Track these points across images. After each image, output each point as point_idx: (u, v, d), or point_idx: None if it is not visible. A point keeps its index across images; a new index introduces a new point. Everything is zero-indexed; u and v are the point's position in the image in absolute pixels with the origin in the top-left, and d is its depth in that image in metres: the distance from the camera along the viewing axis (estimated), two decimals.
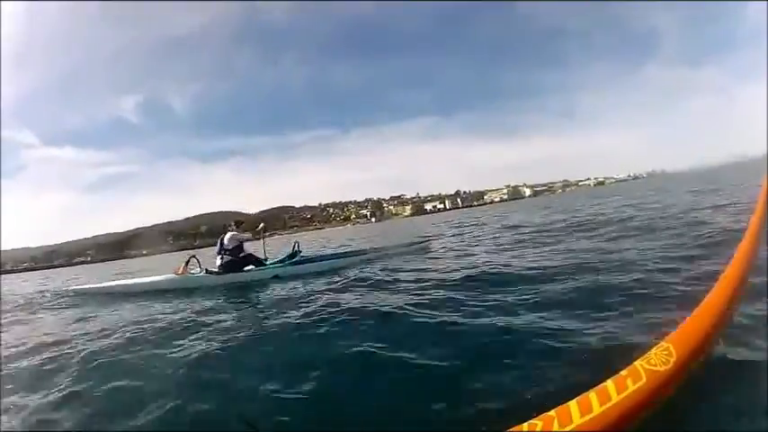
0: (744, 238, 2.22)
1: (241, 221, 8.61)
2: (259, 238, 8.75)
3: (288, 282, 6.90)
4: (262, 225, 8.99)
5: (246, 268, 8.01)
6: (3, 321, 5.89)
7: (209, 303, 5.68)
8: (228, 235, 8.04)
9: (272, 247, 8.76)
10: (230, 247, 7.96)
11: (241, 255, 8.07)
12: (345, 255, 8.96)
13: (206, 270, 7.99)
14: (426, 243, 9.23)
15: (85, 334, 4.21)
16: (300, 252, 8.47)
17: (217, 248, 8.15)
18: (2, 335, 3.94)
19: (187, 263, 8.13)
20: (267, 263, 8.24)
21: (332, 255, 9.22)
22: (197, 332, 3.68)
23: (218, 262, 7.97)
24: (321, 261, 8.38)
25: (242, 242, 8.11)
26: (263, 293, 6.13)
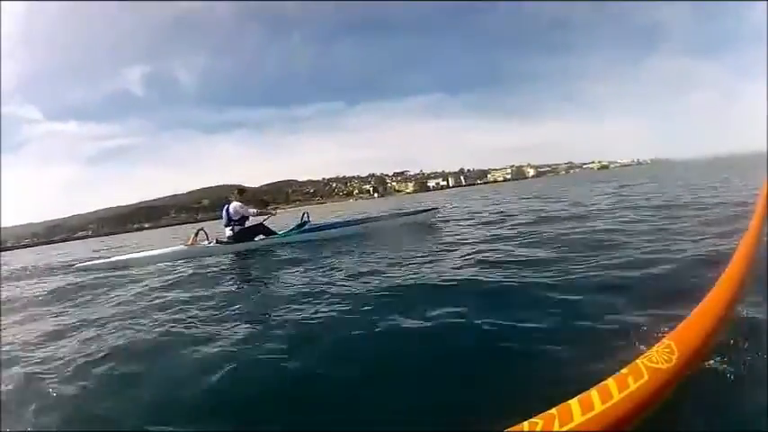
0: (745, 236, 2.21)
1: (244, 190, 8.59)
2: (266, 217, 8.74)
3: (298, 248, 7.04)
4: (269, 207, 8.99)
5: (256, 238, 8.07)
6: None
7: (222, 270, 5.87)
8: (234, 206, 8.04)
9: (277, 222, 8.78)
10: (237, 218, 7.99)
11: (249, 224, 8.13)
12: (353, 222, 9.02)
13: (216, 240, 8.05)
14: (430, 214, 9.16)
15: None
16: (309, 222, 8.54)
17: (224, 220, 8.18)
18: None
19: (196, 234, 8.21)
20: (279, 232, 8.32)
21: (340, 222, 9.27)
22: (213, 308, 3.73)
23: (228, 233, 8.02)
24: (330, 229, 8.45)
25: (245, 216, 8.12)
26: (275, 259, 6.27)
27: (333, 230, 8.34)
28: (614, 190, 14.15)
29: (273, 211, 8.66)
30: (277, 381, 2.11)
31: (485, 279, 3.62)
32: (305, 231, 8.16)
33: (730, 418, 1.49)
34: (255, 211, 8.25)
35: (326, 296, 3.56)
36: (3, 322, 4.16)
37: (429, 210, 9.30)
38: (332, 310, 3.15)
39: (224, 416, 1.84)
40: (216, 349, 2.60)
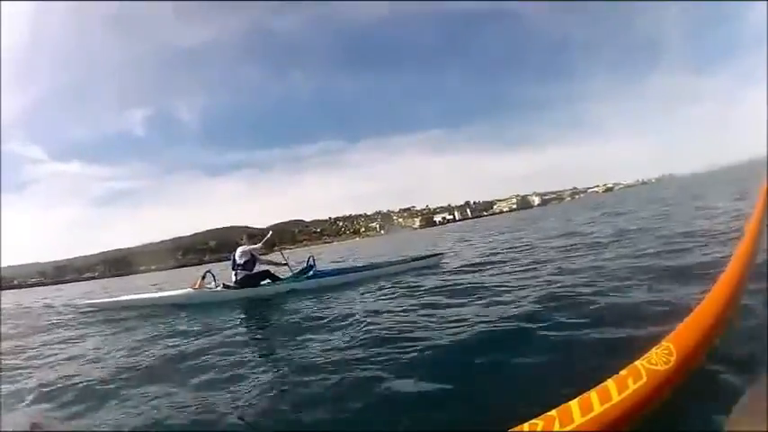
0: (743, 238, 2.23)
1: (253, 234, 8.59)
2: (273, 249, 8.71)
3: (304, 296, 6.93)
4: (269, 234, 8.77)
5: (262, 283, 8.03)
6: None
7: (227, 319, 5.75)
8: (240, 250, 8.05)
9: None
10: (242, 262, 7.95)
11: (255, 270, 8.09)
12: (361, 269, 8.93)
13: (222, 284, 8.03)
14: (436, 259, 9.17)
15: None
16: (315, 266, 8.40)
17: (231, 263, 8.19)
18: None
19: (203, 277, 8.14)
20: (288, 273, 8.23)
21: (347, 269, 9.18)
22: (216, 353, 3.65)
23: (234, 278, 8.01)
24: (337, 275, 8.37)
25: (254, 255, 8.13)
26: (281, 308, 6.19)
27: (339, 277, 8.27)
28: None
29: (284, 262, 8.60)
30: None
31: (484, 288, 3.67)
32: (311, 278, 8.05)
33: (729, 419, 1.48)
34: (260, 246, 8.21)
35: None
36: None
37: (434, 255, 9.36)
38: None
39: None
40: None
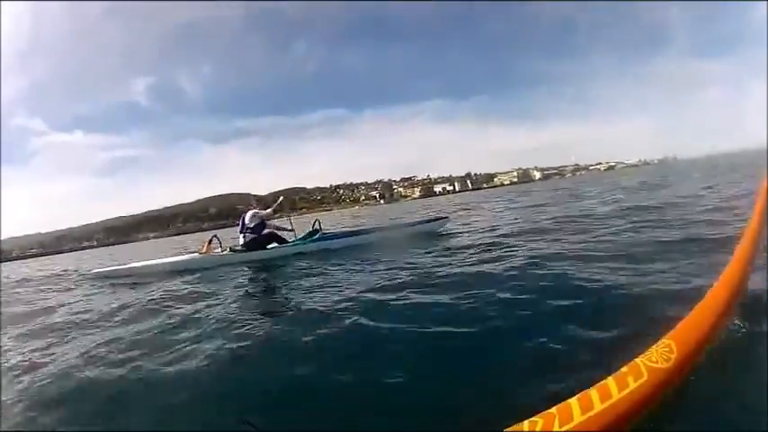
0: (744, 235, 2.22)
1: (262, 198, 8.63)
2: (280, 215, 8.78)
3: (311, 258, 7.03)
4: (281, 199, 8.90)
5: (269, 246, 8.11)
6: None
7: (235, 281, 5.85)
8: (250, 213, 8.10)
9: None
10: (252, 225, 8.03)
11: (263, 232, 8.15)
12: (365, 231, 9.05)
13: (229, 248, 8.12)
14: (441, 223, 9.20)
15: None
16: (321, 230, 8.54)
17: (239, 227, 8.25)
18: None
19: (210, 242, 8.25)
20: (294, 236, 8.38)
21: (352, 231, 9.27)
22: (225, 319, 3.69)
23: (241, 240, 8.07)
24: (342, 238, 8.48)
25: (263, 219, 8.18)
26: (288, 270, 6.26)
27: (345, 240, 8.37)
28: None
29: (291, 228, 8.68)
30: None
31: (485, 278, 3.70)
32: (317, 240, 8.17)
33: (730, 417, 1.49)
34: (270, 211, 8.28)
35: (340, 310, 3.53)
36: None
37: (439, 219, 9.40)
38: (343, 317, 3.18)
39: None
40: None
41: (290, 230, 8.62)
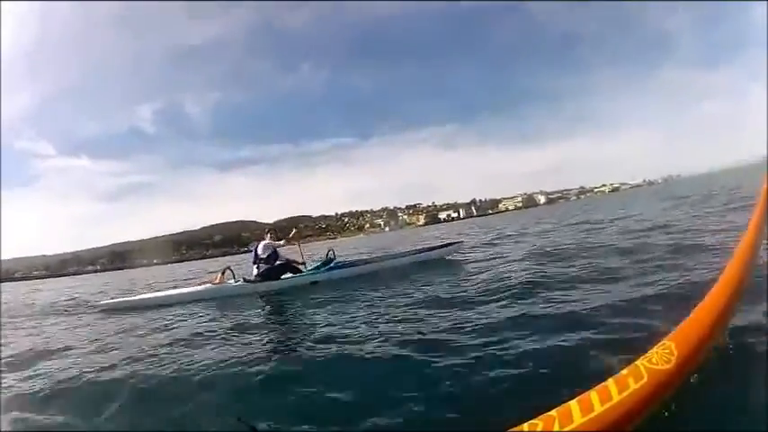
0: (744, 237, 2.21)
1: (274, 229, 8.58)
2: (293, 243, 8.77)
3: (327, 288, 6.97)
4: (295, 231, 8.85)
5: (284, 276, 8.04)
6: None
7: (250, 313, 5.80)
8: (262, 244, 8.07)
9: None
10: (264, 256, 7.97)
11: (278, 263, 8.13)
12: (378, 259, 9.03)
13: (243, 279, 8.05)
14: (454, 248, 9.21)
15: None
16: (335, 259, 8.44)
17: (252, 258, 8.17)
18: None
19: (223, 273, 8.16)
20: (304, 269, 8.24)
21: (367, 259, 9.27)
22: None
23: (255, 271, 7.99)
24: (356, 266, 8.43)
25: (276, 249, 8.16)
26: (305, 300, 6.19)
27: (359, 268, 8.32)
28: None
29: (302, 261, 8.60)
30: None
31: (486, 287, 3.74)
32: (332, 269, 8.06)
33: (730, 418, 1.48)
34: (283, 242, 8.26)
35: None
36: None
37: (453, 243, 9.40)
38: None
39: None
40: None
41: (302, 263, 8.44)
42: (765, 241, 2.33)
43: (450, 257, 8.73)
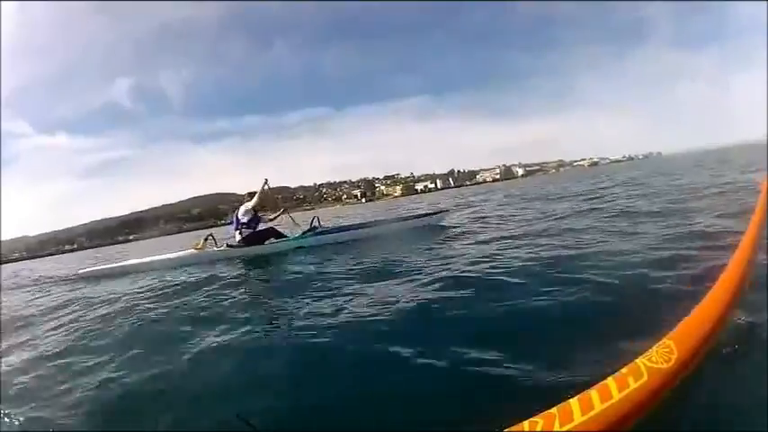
0: (745, 236, 2.23)
1: (254, 193, 8.29)
2: (272, 211, 8.73)
3: (312, 252, 7.00)
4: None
5: (267, 241, 7.96)
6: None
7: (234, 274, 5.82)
8: (242, 208, 7.91)
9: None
10: (245, 221, 7.85)
11: (261, 227, 8.01)
12: (363, 225, 9.03)
13: (226, 244, 7.96)
14: (440, 216, 9.20)
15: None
16: (320, 226, 8.42)
17: (233, 225, 8.03)
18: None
19: (206, 239, 8.04)
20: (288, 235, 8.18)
21: (352, 225, 9.31)
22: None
23: (237, 237, 7.88)
24: (341, 232, 8.47)
25: (256, 210, 8.00)
26: (289, 264, 6.20)
27: (344, 233, 8.35)
28: None
29: (296, 223, 8.53)
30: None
31: (485, 277, 3.68)
32: (318, 234, 8.07)
33: (730, 417, 1.49)
34: (257, 200, 7.97)
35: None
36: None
37: (439, 212, 9.44)
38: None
39: None
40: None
41: (296, 225, 8.42)
42: (766, 241, 2.36)
43: (439, 224, 8.74)
